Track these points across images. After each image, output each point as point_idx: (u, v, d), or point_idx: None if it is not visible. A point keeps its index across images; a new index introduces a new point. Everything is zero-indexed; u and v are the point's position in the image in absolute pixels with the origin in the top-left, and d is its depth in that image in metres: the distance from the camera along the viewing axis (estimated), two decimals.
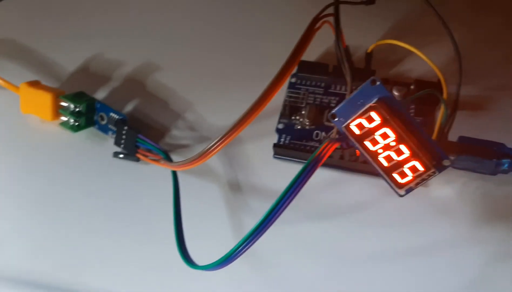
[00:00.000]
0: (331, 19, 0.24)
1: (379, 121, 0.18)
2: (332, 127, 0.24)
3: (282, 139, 0.24)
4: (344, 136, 0.19)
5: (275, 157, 0.24)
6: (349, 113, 0.19)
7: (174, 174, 0.23)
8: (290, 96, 0.26)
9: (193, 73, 0.29)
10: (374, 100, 0.18)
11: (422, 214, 0.22)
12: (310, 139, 0.24)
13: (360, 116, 0.18)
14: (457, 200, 0.22)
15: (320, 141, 0.24)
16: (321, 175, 0.23)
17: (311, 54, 0.28)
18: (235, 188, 0.24)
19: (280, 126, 0.25)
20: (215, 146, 0.20)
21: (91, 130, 0.26)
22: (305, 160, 0.23)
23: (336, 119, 0.19)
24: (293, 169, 0.23)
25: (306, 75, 0.26)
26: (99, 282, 0.21)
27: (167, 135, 0.26)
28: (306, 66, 0.26)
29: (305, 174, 0.17)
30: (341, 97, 0.25)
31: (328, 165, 0.23)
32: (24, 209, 0.24)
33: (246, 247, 0.18)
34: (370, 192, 0.23)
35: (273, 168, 0.24)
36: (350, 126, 0.19)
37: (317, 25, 0.22)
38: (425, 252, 0.21)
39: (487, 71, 0.27)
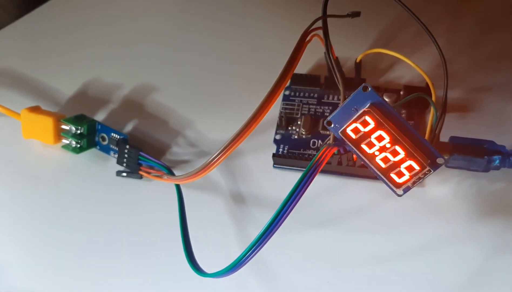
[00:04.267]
0: (320, 32, 0.25)
1: (374, 125, 0.19)
2: (328, 135, 0.25)
3: (281, 149, 0.25)
4: (341, 142, 0.20)
5: (275, 167, 0.25)
6: (344, 119, 0.20)
7: (178, 187, 0.23)
8: (285, 108, 0.27)
9: (190, 92, 0.29)
10: (367, 105, 0.19)
11: (420, 214, 0.23)
12: (307, 148, 0.25)
13: (355, 121, 0.19)
14: (452, 198, 0.23)
15: (317, 149, 0.25)
16: (320, 181, 0.24)
17: (302, 67, 0.29)
18: (237, 198, 0.24)
19: (278, 137, 0.26)
20: (216, 158, 0.20)
21: (93, 151, 0.27)
22: (304, 167, 0.24)
23: (332, 126, 0.20)
24: (293, 177, 0.24)
25: (299, 87, 0.27)
26: None
27: (167, 152, 0.27)
28: (298, 79, 0.27)
29: (306, 181, 0.18)
30: (334, 106, 0.26)
31: (327, 171, 0.24)
32: (32, 230, 0.24)
33: (252, 255, 0.18)
34: (369, 195, 0.24)
35: (274, 177, 0.25)
36: (346, 131, 0.19)
37: (307, 38, 0.23)
38: (424, 251, 0.22)
39: (470, 73, 0.28)
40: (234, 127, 0.27)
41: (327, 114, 0.26)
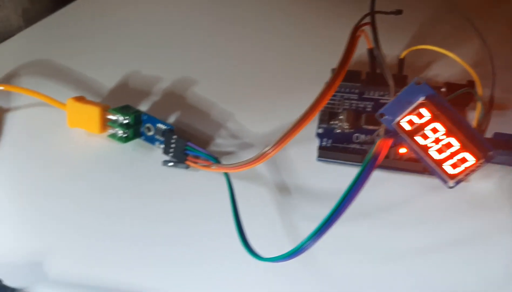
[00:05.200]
0: (365, 28, 0.25)
1: (429, 117, 0.19)
2: (370, 130, 0.26)
3: (324, 143, 0.25)
4: (394, 134, 0.20)
5: (319, 160, 0.25)
6: (398, 111, 0.20)
7: (227, 176, 0.24)
8: (327, 103, 0.27)
9: (230, 86, 0.30)
10: (423, 98, 0.19)
11: (465, 208, 0.23)
12: (350, 142, 0.25)
13: (410, 113, 0.20)
14: (496, 193, 0.23)
15: (361, 143, 0.25)
16: None
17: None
18: (283, 190, 0.25)
19: (320, 131, 0.26)
20: (272, 149, 0.21)
21: (138, 141, 0.27)
22: (350, 160, 0.25)
23: (384, 118, 0.21)
24: (337, 170, 0.25)
25: (340, 83, 0.28)
26: (159, 285, 0.22)
27: (211, 144, 0.27)
28: None
29: (366, 171, 0.18)
30: (376, 102, 0.27)
31: None
32: (78, 218, 0.25)
33: (314, 242, 0.19)
34: (412, 189, 0.24)
35: (317, 170, 0.25)
36: (400, 123, 0.20)
37: (357, 33, 0.23)
38: (467, 245, 0.22)
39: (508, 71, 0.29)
40: (276, 119, 0.28)
41: (369, 109, 0.26)
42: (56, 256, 0.23)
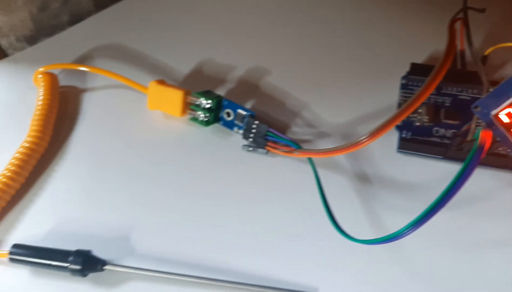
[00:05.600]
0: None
1: None
2: (449, 124, 0.26)
3: (404, 135, 0.26)
4: (490, 125, 0.21)
5: (399, 151, 0.26)
6: (495, 104, 0.20)
7: (311, 160, 0.24)
8: (404, 96, 0.27)
9: (306, 75, 0.31)
10: None
11: None
12: (430, 135, 0.26)
13: (510, 105, 0.20)
14: None
15: (441, 137, 0.25)
16: (443, 167, 0.25)
17: (416, 57, 0.30)
18: (363, 179, 0.25)
19: (400, 123, 0.26)
20: (367, 138, 0.21)
21: (216, 126, 0.28)
22: (430, 153, 0.25)
23: (478, 110, 0.21)
24: (416, 162, 0.25)
25: (417, 77, 0.28)
26: (239, 262, 0.23)
27: (287, 132, 0.28)
28: (417, 69, 0.28)
29: (474, 161, 0.18)
30: (454, 97, 0.27)
31: (453, 158, 0.25)
32: (159, 197, 0.25)
33: (412, 230, 0.19)
34: (494, 183, 0.24)
35: (397, 161, 0.25)
36: (499, 115, 0.20)
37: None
38: None
39: None
40: (351, 111, 0.28)
41: (447, 104, 0.27)
42: (141, 232, 0.24)
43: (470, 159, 0.18)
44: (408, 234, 0.19)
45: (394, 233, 0.19)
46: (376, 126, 0.21)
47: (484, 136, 0.19)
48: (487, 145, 0.19)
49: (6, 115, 0.31)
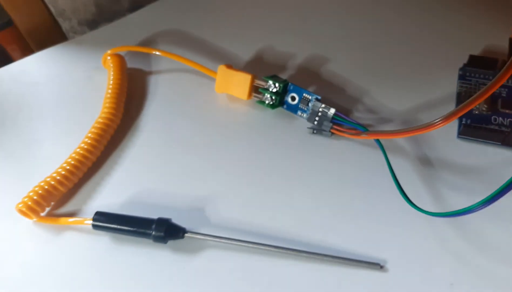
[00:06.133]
0: None
1: None
2: (506, 113, 0.27)
3: (463, 122, 0.27)
4: None
5: (459, 137, 0.27)
6: None
7: (379, 142, 0.26)
8: (462, 86, 0.29)
9: (366, 62, 0.32)
10: None
11: None
12: (489, 123, 0.27)
13: None
14: None
15: (499, 125, 0.27)
16: (501, 153, 0.26)
17: (474, 49, 0.31)
18: (424, 162, 0.26)
19: None
20: (441, 121, 0.22)
21: (279, 110, 0.30)
22: (490, 140, 0.26)
23: None
24: (476, 148, 0.27)
25: (474, 69, 0.29)
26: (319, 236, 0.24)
27: (349, 116, 0.29)
28: (475, 60, 0.29)
29: None
30: (510, 89, 0.28)
31: (510, 145, 0.26)
32: (231, 172, 0.27)
33: (483, 207, 0.20)
34: None
35: (457, 147, 0.27)
36: None
37: None
38: None
39: None
40: (411, 98, 0.29)
41: (504, 95, 0.28)
42: (215, 204, 0.26)
43: None
44: (478, 210, 0.20)
45: (466, 208, 0.20)
46: (449, 112, 0.22)
47: None
48: None
49: (75, 94, 0.32)
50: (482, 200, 0.20)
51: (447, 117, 0.22)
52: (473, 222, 0.24)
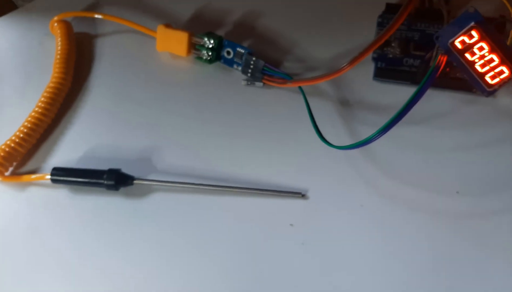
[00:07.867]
0: None
1: (477, 38, 0.24)
2: (417, 55, 0.30)
3: (379, 65, 0.30)
4: (447, 52, 0.25)
5: (374, 79, 0.30)
6: (452, 34, 0.25)
7: (302, 89, 0.29)
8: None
9: (294, 16, 0.34)
10: (473, 22, 0.24)
11: (492, 119, 0.28)
12: (402, 65, 0.30)
13: (463, 34, 0.24)
14: None
15: (410, 66, 0.30)
16: (412, 91, 0.29)
17: None
18: (344, 103, 0.30)
19: (375, 55, 0.31)
20: (348, 64, 0.25)
21: (217, 64, 0.32)
22: (401, 80, 0.30)
23: (439, 39, 0.25)
24: (390, 88, 0.30)
25: (392, 16, 0.32)
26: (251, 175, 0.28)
27: (281, 67, 0.32)
28: (392, 8, 0.32)
29: (431, 77, 0.23)
30: (422, 32, 0.31)
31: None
32: (175, 123, 0.30)
33: (379, 136, 0.24)
34: (451, 101, 0.29)
35: (372, 88, 0.30)
36: (455, 43, 0.25)
37: None
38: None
39: None
40: (336, 46, 0.32)
41: (416, 39, 0.31)
42: (160, 153, 0.29)
43: (428, 76, 0.23)
44: (375, 140, 0.24)
45: (364, 139, 0.24)
46: (353, 56, 0.25)
47: (441, 59, 0.24)
48: (442, 66, 0.24)
49: (29, 60, 0.34)
50: (377, 130, 0.24)
51: (351, 62, 0.25)
52: (380, 150, 0.27)
